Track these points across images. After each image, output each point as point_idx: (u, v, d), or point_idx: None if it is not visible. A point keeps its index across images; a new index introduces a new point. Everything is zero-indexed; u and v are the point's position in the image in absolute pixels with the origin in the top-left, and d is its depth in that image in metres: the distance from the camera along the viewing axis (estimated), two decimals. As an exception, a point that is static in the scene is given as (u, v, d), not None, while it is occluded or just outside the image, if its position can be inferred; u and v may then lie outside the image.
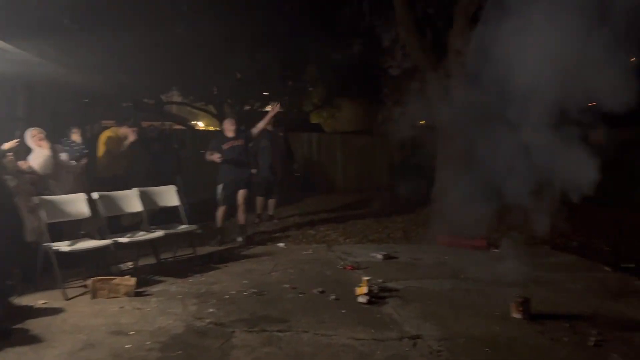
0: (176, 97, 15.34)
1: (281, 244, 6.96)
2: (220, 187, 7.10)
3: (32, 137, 5.55)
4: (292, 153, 9.88)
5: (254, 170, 7.80)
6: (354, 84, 15.44)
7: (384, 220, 8.77)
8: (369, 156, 13.47)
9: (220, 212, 7.12)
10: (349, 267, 5.79)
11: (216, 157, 6.93)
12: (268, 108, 17.48)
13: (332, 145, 13.72)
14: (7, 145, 5.02)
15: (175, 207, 6.14)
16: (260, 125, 7.28)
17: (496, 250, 6.58)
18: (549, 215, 5.18)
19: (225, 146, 7.06)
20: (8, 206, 4.62)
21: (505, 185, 5.06)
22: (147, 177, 7.67)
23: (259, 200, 8.46)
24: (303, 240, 7.27)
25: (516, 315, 4.22)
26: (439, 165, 10.18)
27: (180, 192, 6.35)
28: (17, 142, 5.14)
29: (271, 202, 8.58)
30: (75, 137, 6.37)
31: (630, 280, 5.40)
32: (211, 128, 20.14)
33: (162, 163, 8.23)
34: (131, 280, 4.80)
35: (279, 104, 7.49)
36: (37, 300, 4.55)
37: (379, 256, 6.24)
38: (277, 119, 8.50)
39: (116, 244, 5.15)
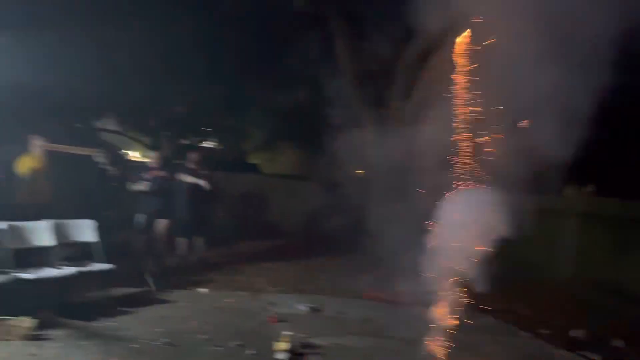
0: (111, 125, 14.76)
1: (202, 289, 6.63)
2: (139, 217, 7.03)
3: None
4: (219, 194, 9.43)
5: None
6: (296, 128, 15.50)
7: (316, 268, 8.64)
8: (307, 201, 13.38)
9: (140, 242, 7.06)
10: (273, 319, 5.57)
11: (141, 184, 6.96)
12: (206, 144, 17.21)
13: (269, 187, 13.55)
14: None
15: (92, 243, 5.74)
16: (189, 179, 7.24)
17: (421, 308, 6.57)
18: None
19: (148, 175, 7.07)
20: None
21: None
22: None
23: (181, 241, 8.04)
24: (227, 286, 6.96)
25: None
26: (373, 214, 10.25)
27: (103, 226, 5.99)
28: None
29: (198, 242, 8.16)
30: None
31: (545, 346, 5.51)
32: (145, 159, 19.51)
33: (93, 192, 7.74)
34: (28, 322, 4.36)
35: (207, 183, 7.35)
36: None
37: (305, 308, 6.08)
38: (201, 158, 8.27)
39: (18, 280, 4.70)
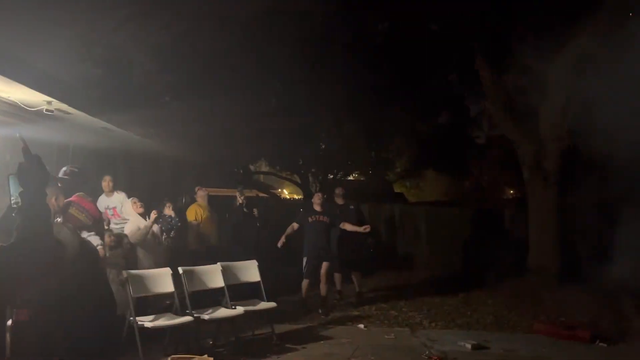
0: (264, 167, 15.88)
1: (361, 326, 6.62)
2: (304, 260, 7.29)
3: (133, 204, 5.88)
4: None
5: None
6: (439, 153, 15.16)
7: (473, 301, 8.18)
8: (456, 229, 12.86)
9: (305, 284, 7.29)
10: (435, 358, 5.36)
11: (294, 226, 7.33)
12: (351, 178, 17.59)
13: (416, 216, 13.32)
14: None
15: (256, 282, 6.08)
16: (348, 227, 7.44)
17: (603, 345, 5.88)
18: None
19: (310, 219, 7.33)
20: (101, 279, 4.82)
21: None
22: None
23: (337, 276, 8.08)
24: (385, 322, 6.88)
25: None
26: (532, 239, 9.41)
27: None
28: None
29: (355, 276, 8.16)
30: (168, 210, 6.63)
31: None
32: (295, 196, 20.55)
33: (242, 232, 8.18)
34: (209, 360, 4.72)
35: (369, 227, 7.50)
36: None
37: (468, 345, 5.76)
38: (346, 192, 8.41)
39: (197, 320, 5.15)
